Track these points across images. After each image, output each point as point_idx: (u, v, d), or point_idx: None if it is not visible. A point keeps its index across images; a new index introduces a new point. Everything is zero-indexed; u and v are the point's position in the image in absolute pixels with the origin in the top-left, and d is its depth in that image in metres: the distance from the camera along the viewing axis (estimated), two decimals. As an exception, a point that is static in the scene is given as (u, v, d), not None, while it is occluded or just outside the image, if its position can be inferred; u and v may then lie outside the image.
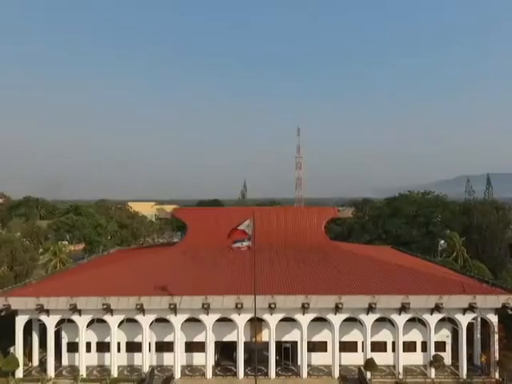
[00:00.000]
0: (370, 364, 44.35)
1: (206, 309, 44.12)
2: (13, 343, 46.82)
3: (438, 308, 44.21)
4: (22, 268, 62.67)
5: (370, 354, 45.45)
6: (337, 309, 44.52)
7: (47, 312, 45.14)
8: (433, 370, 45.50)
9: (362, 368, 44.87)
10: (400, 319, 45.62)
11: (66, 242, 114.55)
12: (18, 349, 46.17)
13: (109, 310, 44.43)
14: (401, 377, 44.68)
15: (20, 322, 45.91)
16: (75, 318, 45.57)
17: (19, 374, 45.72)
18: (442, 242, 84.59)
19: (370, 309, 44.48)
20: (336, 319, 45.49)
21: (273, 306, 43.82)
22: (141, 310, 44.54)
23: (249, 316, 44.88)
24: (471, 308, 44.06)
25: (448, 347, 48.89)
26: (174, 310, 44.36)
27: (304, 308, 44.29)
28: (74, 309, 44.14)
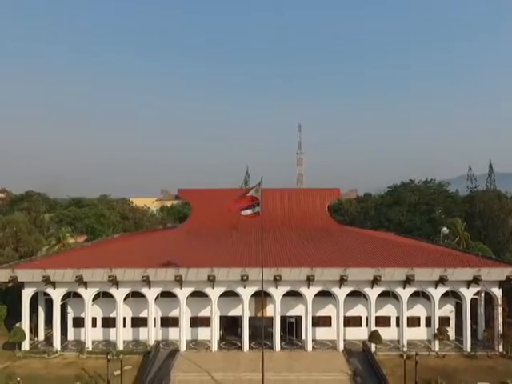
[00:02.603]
0: (374, 336, 44.52)
1: (212, 281, 44.28)
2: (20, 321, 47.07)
3: (442, 281, 44.37)
4: (26, 249, 62.91)
5: (374, 328, 45.61)
6: (341, 281, 44.71)
7: (53, 284, 45.39)
8: (437, 343, 45.68)
9: (367, 341, 45.13)
10: (404, 293, 45.81)
11: (68, 235, 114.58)
12: (25, 322, 46.40)
13: (115, 282, 44.64)
14: (405, 349, 44.83)
15: (26, 294, 46.15)
16: (81, 290, 45.81)
17: (25, 346, 46.00)
18: (445, 228, 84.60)
19: (375, 281, 44.66)
20: (341, 293, 45.66)
21: (278, 278, 43.94)
22: (147, 282, 44.75)
23: (254, 289, 45.07)
24: (475, 281, 44.26)
25: (452, 322, 49.12)
26: (179, 281, 44.53)
27: (309, 280, 44.45)
28: (80, 281, 44.34)
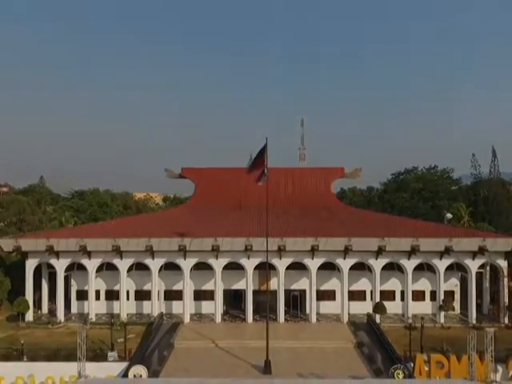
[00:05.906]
0: (379, 307, 44.33)
1: (216, 250, 44.04)
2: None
3: (447, 251, 44.04)
4: (30, 228, 62.91)
5: (379, 300, 45.35)
6: (346, 252, 44.43)
7: (57, 255, 45.25)
8: (442, 316, 45.36)
9: (372, 312, 44.90)
10: (409, 264, 45.57)
11: (72, 225, 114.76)
12: (28, 293, 46.35)
13: (118, 251, 44.50)
14: (410, 321, 44.50)
15: (30, 265, 46.07)
16: (85, 261, 45.68)
17: (29, 317, 45.93)
18: (448, 214, 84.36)
19: (380, 252, 44.40)
20: (345, 264, 45.44)
21: (282, 247, 43.69)
22: (150, 252, 44.58)
23: (258, 260, 44.83)
24: (481, 251, 43.94)
25: (457, 296, 48.83)
26: (183, 251, 44.33)
27: (313, 251, 44.21)
28: (84, 250, 44.18)
